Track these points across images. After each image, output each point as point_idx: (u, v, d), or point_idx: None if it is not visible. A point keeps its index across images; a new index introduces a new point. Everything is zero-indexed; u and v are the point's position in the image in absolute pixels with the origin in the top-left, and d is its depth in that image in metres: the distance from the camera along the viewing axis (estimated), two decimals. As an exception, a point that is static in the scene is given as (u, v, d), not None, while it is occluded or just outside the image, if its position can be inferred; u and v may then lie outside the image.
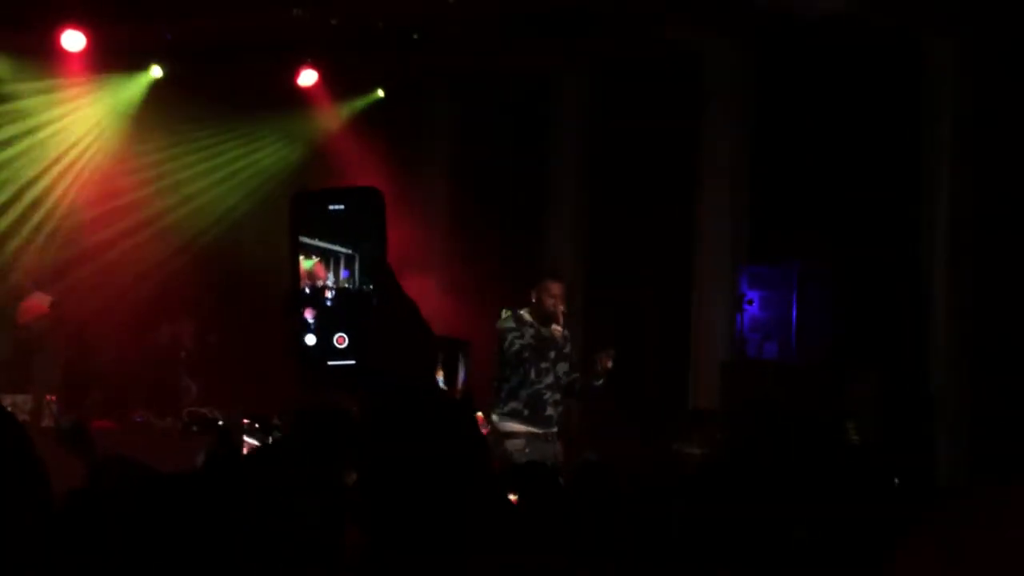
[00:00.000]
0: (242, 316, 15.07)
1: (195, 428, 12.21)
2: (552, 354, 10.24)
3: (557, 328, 10.13)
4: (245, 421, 6.92)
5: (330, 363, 2.28)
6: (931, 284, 12.86)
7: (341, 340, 2.28)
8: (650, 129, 14.50)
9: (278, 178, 15.77)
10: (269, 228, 15.59)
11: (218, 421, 10.47)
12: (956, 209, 12.81)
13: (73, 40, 14.41)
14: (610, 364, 9.98)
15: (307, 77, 15.33)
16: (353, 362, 2.26)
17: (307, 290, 2.26)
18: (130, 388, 13.95)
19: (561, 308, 10.14)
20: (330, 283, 2.27)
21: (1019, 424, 11.30)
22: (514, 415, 10.15)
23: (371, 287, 2.22)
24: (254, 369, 14.16)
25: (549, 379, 10.21)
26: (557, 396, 10.21)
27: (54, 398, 12.95)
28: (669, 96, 14.51)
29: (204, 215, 15.46)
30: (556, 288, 10.20)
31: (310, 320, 2.25)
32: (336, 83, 15.47)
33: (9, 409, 8.13)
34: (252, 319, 15.14)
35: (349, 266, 2.29)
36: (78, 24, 14.33)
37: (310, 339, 2.27)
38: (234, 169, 15.69)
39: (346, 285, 2.25)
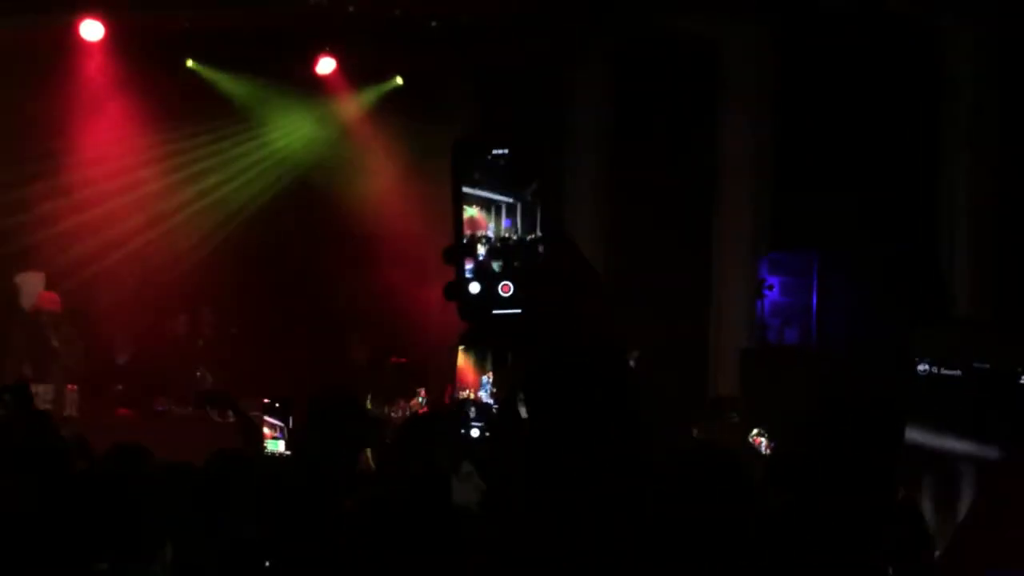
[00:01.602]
0: (263, 307, 15.09)
1: (216, 418, 12.17)
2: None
3: None
4: (265, 400, 6.91)
5: (495, 312, 2.21)
6: (951, 271, 12.83)
7: (506, 288, 2.21)
8: (670, 118, 14.47)
9: (298, 168, 15.76)
10: (288, 218, 15.63)
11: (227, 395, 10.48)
12: (975, 197, 12.78)
13: (92, 30, 14.44)
14: (632, 364, 10.00)
15: (325, 65, 15.32)
16: (519, 311, 2.20)
17: (473, 240, 2.21)
18: (151, 377, 13.93)
19: None
20: (491, 232, 2.21)
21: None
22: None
23: (538, 236, 2.16)
24: (273, 360, 14.18)
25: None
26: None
27: (75, 388, 12.95)
28: (688, 85, 14.48)
29: (224, 205, 15.44)
30: None
31: (474, 268, 2.19)
32: (354, 71, 15.45)
33: (34, 397, 8.13)
34: (272, 310, 15.18)
35: (511, 215, 2.23)
36: (96, 14, 14.35)
37: (474, 287, 2.20)
38: (254, 159, 15.67)
39: (508, 234, 2.19)
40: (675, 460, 4.16)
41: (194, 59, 15.12)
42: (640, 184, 14.84)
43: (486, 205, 2.24)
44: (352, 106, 15.87)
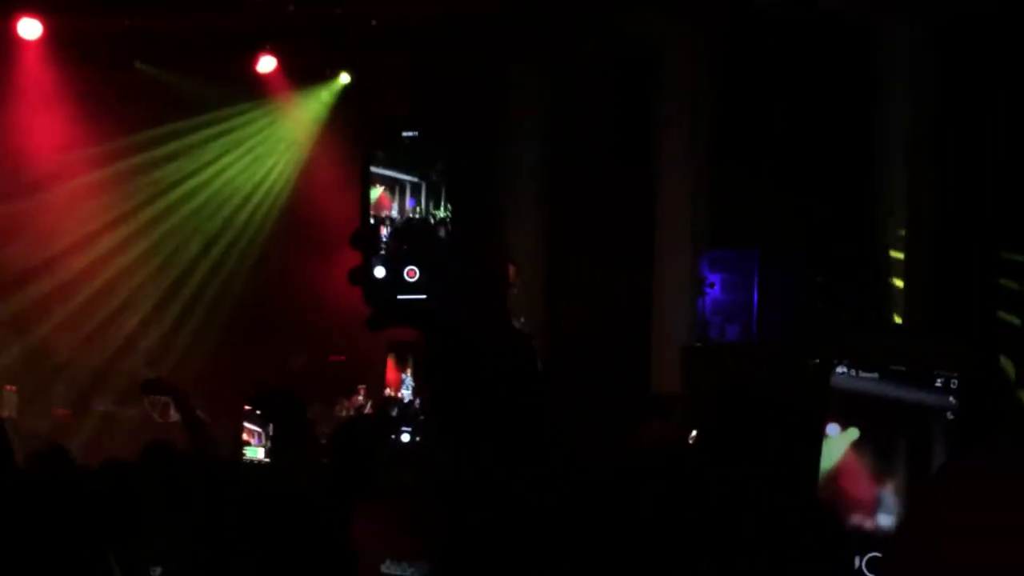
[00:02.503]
0: (209, 311, 15.06)
1: (158, 418, 12.16)
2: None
3: None
4: (246, 407, 6.81)
5: (400, 297, 2.19)
6: (888, 268, 12.94)
7: (412, 273, 2.19)
8: (608, 117, 14.51)
9: (243, 170, 15.72)
10: (228, 219, 15.58)
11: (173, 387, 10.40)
12: (912, 194, 12.89)
13: (30, 28, 14.37)
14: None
15: (266, 64, 15.28)
16: (424, 296, 2.18)
17: (377, 222, 2.18)
18: (90, 379, 13.88)
19: (512, 290, 10.26)
20: (395, 213, 2.19)
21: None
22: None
23: (442, 218, 2.14)
24: (218, 366, 14.14)
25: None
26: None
27: (14, 388, 12.89)
28: (627, 85, 14.53)
29: (166, 205, 15.37)
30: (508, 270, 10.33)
31: (379, 252, 2.16)
32: (295, 70, 15.42)
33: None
34: (217, 314, 15.13)
35: (415, 194, 2.21)
36: (36, 13, 14.28)
37: (379, 271, 2.18)
38: (200, 162, 15.60)
39: (412, 215, 2.17)
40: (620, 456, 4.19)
41: (136, 58, 15.04)
42: (580, 184, 14.88)
43: (390, 185, 2.23)
44: (296, 106, 15.84)
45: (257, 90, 15.51)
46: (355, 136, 15.11)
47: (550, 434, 2.20)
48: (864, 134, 13.19)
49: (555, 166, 15.47)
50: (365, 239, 2.21)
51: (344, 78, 15.93)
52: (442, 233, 2.18)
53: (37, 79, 14.86)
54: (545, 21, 14.21)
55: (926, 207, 12.86)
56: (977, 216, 12.23)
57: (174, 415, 12.61)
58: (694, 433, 9.12)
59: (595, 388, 14.22)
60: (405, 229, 2.19)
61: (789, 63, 13.30)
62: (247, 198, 15.73)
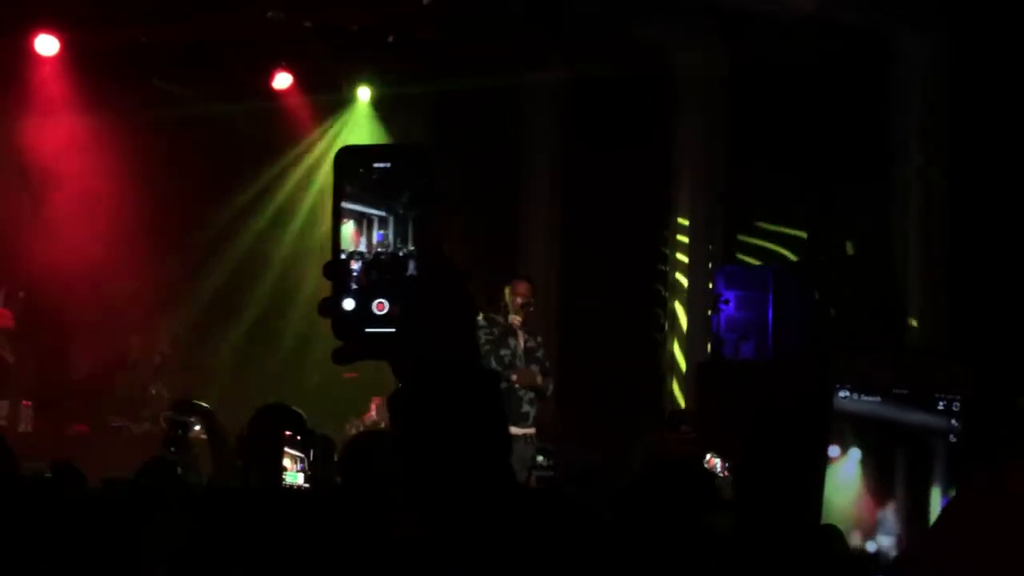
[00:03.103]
0: (221, 322, 15.06)
1: (180, 432, 12.14)
2: (522, 352, 10.34)
3: (516, 318, 10.26)
4: (287, 432, 6.77)
5: (368, 330, 2.20)
6: (904, 285, 12.92)
7: (381, 306, 2.19)
8: (623, 133, 14.50)
9: (256, 181, 15.71)
10: (249, 232, 15.59)
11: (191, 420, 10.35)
12: (927, 209, 12.87)
13: (47, 44, 14.42)
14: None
15: (282, 80, 15.31)
16: (392, 330, 2.18)
17: (348, 255, 2.19)
18: (105, 394, 13.90)
19: (519, 302, 10.30)
20: (363, 247, 2.20)
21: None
22: (490, 416, 10.20)
23: (410, 251, 2.15)
24: (232, 377, 14.15)
25: (524, 376, 10.30)
26: (532, 394, 10.28)
27: (29, 403, 12.91)
28: (642, 100, 14.53)
29: (184, 219, 15.36)
30: (521, 287, 10.37)
31: (349, 286, 2.17)
32: (311, 85, 15.45)
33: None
34: (231, 327, 15.14)
35: (383, 228, 2.21)
36: (53, 29, 14.33)
37: (348, 304, 2.19)
38: (214, 175, 15.60)
39: (380, 249, 2.17)
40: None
41: (152, 75, 15.08)
42: (595, 200, 14.87)
43: (358, 219, 2.24)
44: (309, 119, 15.87)
45: (272, 105, 15.53)
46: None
47: (507, 473, 2.21)
48: (878, 149, 13.17)
49: (568, 185, 15.48)
50: (335, 271, 2.23)
51: (363, 93, 15.93)
52: (411, 267, 2.20)
53: (54, 95, 14.90)
54: (559, 33, 14.22)
55: (940, 221, 12.84)
56: (991, 228, 12.21)
57: (193, 432, 12.62)
58: (708, 456, 9.13)
59: (608, 404, 14.24)
60: (374, 262, 2.20)
61: (802, 77, 13.29)
62: (265, 215, 15.74)
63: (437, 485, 2.18)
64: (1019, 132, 11.99)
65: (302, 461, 6.78)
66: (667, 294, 14.39)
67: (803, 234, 13.32)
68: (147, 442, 12.49)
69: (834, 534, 5.07)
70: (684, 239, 14.30)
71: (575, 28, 14.04)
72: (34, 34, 14.39)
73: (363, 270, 2.22)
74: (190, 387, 13.48)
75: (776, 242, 13.56)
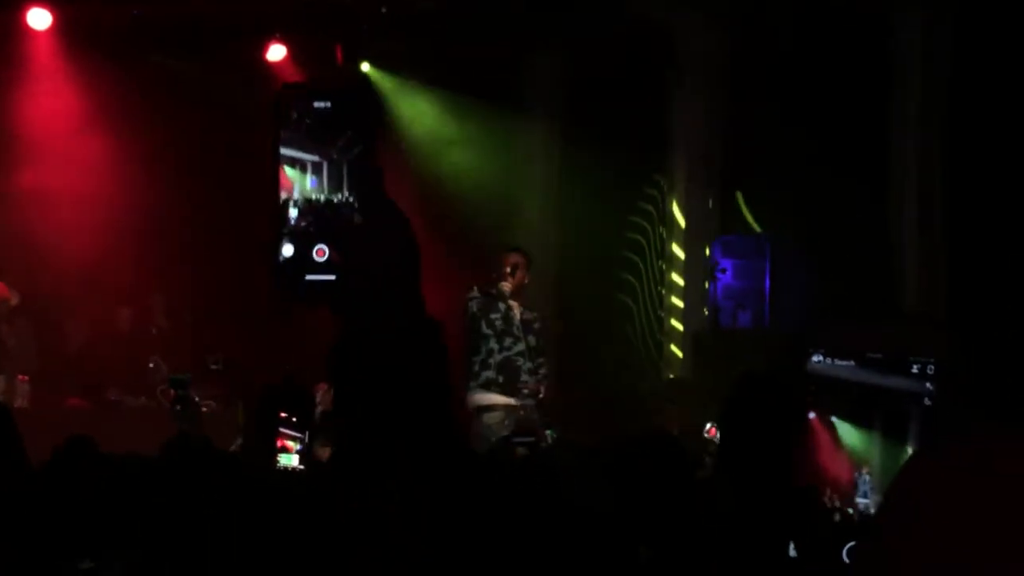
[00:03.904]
0: (216, 291, 15.00)
1: (179, 408, 12.16)
2: (519, 322, 10.33)
3: (505, 284, 10.27)
4: (282, 414, 6.73)
5: (308, 277, 2.15)
6: (902, 254, 12.90)
7: (321, 253, 2.16)
8: (622, 104, 14.48)
9: (255, 154, 15.62)
10: (245, 205, 15.53)
11: (197, 403, 10.34)
12: (924, 180, 12.86)
13: (40, 18, 14.38)
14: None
15: (276, 52, 15.23)
16: (332, 277, 2.14)
17: (287, 201, 2.15)
18: (102, 368, 13.88)
19: (507, 270, 10.31)
20: (296, 194, 2.16)
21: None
22: (488, 385, 10.22)
23: (352, 197, 2.10)
24: (226, 346, 14.10)
25: (520, 347, 10.31)
26: (530, 364, 10.28)
27: (26, 378, 12.89)
28: (640, 72, 14.50)
29: (174, 191, 15.29)
30: (512, 257, 10.38)
31: (288, 232, 2.12)
32: (304, 58, 15.36)
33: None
34: (226, 295, 15.08)
35: (316, 173, 2.16)
36: (45, 3, 14.29)
37: (287, 250, 2.15)
38: (204, 148, 15.52)
39: (315, 195, 2.13)
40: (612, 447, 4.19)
41: (144, 47, 15.01)
42: (593, 172, 14.85)
43: (291, 163, 2.18)
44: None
45: (266, 78, 15.46)
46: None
47: (449, 419, 2.19)
48: (876, 119, 13.16)
49: (566, 155, 15.47)
50: (273, 218, 2.18)
51: (365, 68, 15.81)
52: (352, 213, 2.15)
53: (47, 69, 14.87)
54: (558, 6, 14.17)
55: (937, 191, 12.83)
56: (988, 198, 12.20)
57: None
58: (709, 425, 9.13)
59: (607, 374, 14.25)
60: (313, 208, 2.15)
61: (801, 50, 13.26)
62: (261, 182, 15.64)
63: (375, 436, 2.16)
64: (1019, 103, 11.98)
65: (301, 443, 6.77)
66: (664, 265, 14.38)
67: (801, 203, 13.29)
68: (145, 416, 12.51)
69: (811, 494, 5.08)
70: (681, 208, 14.29)
71: (577, 5, 14.02)
72: (26, 7, 14.34)
73: (301, 216, 2.18)
74: (188, 360, 13.49)
75: (774, 211, 13.54)
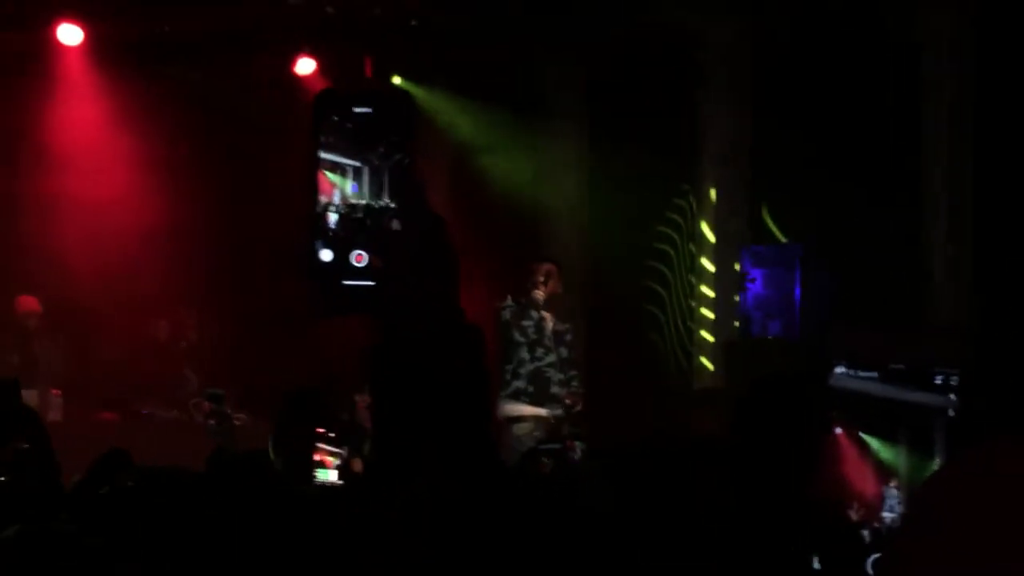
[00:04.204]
0: (246, 305, 15.05)
1: (213, 422, 12.20)
2: (550, 332, 10.33)
3: (537, 292, 10.26)
4: (319, 430, 6.72)
5: (346, 282, 2.17)
6: (931, 262, 12.86)
7: (360, 258, 2.17)
8: (648, 112, 14.48)
9: (284, 168, 15.63)
10: (275, 219, 15.56)
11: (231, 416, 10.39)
12: (953, 190, 12.82)
13: (70, 34, 14.46)
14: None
15: (305, 66, 15.29)
16: (372, 283, 2.15)
17: (326, 206, 2.16)
18: (134, 381, 13.94)
19: (540, 278, 10.30)
20: (336, 200, 2.17)
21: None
22: (518, 395, 10.23)
23: (393, 203, 2.11)
24: (258, 359, 14.15)
25: (551, 358, 10.31)
26: (562, 376, 10.28)
27: (59, 392, 12.96)
28: (667, 79, 14.49)
29: (204, 206, 15.34)
30: (544, 267, 10.37)
31: (326, 236, 2.13)
32: (334, 71, 15.42)
33: (18, 401, 8.13)
34: (256, 308, 15.12)
35: (357, 179, 2.18)
36: (76, 19, 14.37)
37: (326, 255, 2.16)
38: (236, 165, 15.56)
39: (355, 200, 2.14)
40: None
41: (175, 63, 15.08)
42: (620, 179, 14.84)
43: (331, 168, 2.20)
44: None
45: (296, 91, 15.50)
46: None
47: (488, 427, 2.20)
48: (906, 128, 13.12)
49: (594, 164, 15.47)
50: (311, 222, 2.20)
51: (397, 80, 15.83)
52: (392, 220, 2.17)
53: (78, 85, 14.95)
54: (582, 13, 14.18)
55: (967, 201, 12.79)
56: (1020, 206, 12.16)
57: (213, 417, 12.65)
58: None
59: (638, 382, 14.24)
60: (353, 214, 2.17)
61: (828, 55, 13.24)
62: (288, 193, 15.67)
63: (411, 441, 2.16)
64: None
65: (339, 457, 6.75)
66: (693, 278, 14.38)
67: (829, 213, 13.27)
68: (177, 429, 12.56)
69: (836, 508, 5.07)
70: (710, 218, 14.28)
71: (597, 9, 14.01)
72: (57, 23, 14.42)
73: (340, 222, 2.19)
74: (216, 372, 13.53)
75: (803, 220, 13.52)
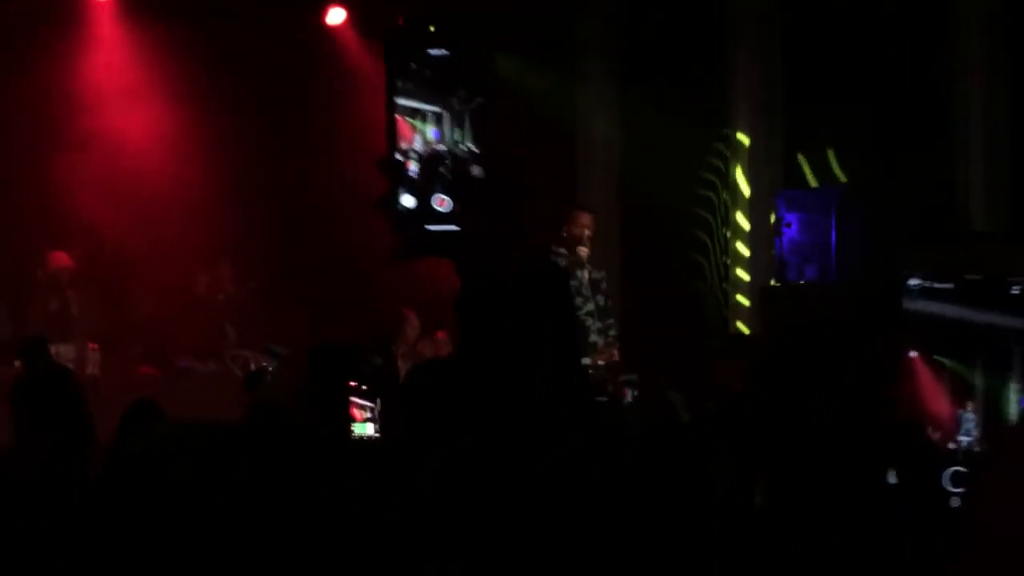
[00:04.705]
0: (284, 261, 15.05)
1: (239, 372, 12.25)
2: (588, 282, 10.31)
3: (583, 250, 10.22)
4: (351, 383, 6.68)
5: (428, 227, 2.14)
6: (967, 205, 12.81)
7: (442, 203, 2.15)
8: (679, 57, 14.41)
9: (318, 118, 15.59)
10: (310, 171, 15.54)
11: (262, 368, 10.43)
12: (989, 129, 12.74)
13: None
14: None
15: (335, 15, 15.25)
16: (454, 227, 2.13)
17: (404, 151, 2.13)
18: (172, 335, 13.98)
19: (586, 234, 10.25)
20: (417, 145, 2.14)
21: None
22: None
23: (471, 148, 2.09)
24: (294, 315, 14.15)
25: (590, 306, 10.28)
26: (600, 324, 10.27)
27: (97, 346, 13.00)
28: (697, 23, 14.42)
29: (242, 159, 15.30)
30: (584, 218, 10.32)
31: (407, 182, 2.11)
32: (364, 20, 15.35)
33: (55, 356, 8.22)
34: (294, 265, 15.13)
35: (438, 124, 2.15)
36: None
37: (408, 201, 2.13)
38: (271, 119, 15.50)
39: (436, 147, 2.11)
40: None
41: (204, 14, 15.04)
42: (652, 125, 14.77)
43: (411, 114, 2.17)
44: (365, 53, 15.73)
45: (327, 42, 15.46)
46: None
47: (578, 365, 2.17)
48: (938, 70, 13.04)
49: (624, 111, 15.39)
50: (392, 167, 2.17)
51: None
52: (472, 164, 2.14)
53: (109, 41, 14.94)
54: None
55: (1003, 140, 12.73)
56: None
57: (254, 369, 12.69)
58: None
59: (673, 329, 14.22)
60: (433, 159, 2.14)
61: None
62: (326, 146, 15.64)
63: (502, 388, 2.14)
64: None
65: (371, 411, 6.73)
66: (730, 223, 14.34)
67: (864, 156, 13.20)
68: (215, 382, 12.61)
69: (916, 429, 5.06)
70: (743, 163, 14.23)
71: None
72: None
73: (420, 167, 2.17)
74: (256, 326, 13.56)
75: (837, 164, 13.45)
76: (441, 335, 13.87)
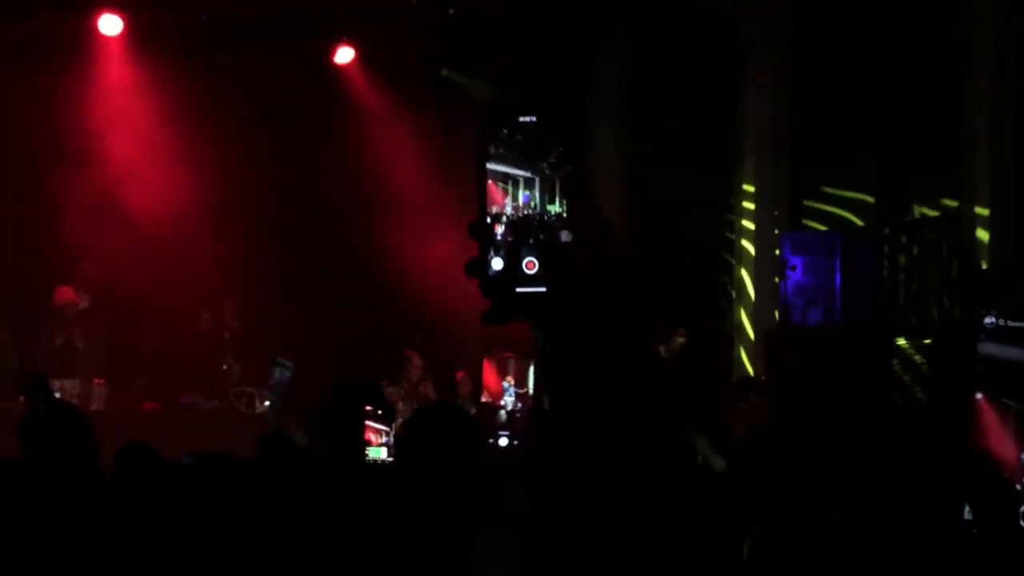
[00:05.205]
0: (288, 297, 15.06)
1: (243, 409, 12.27)
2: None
3: None
4: (367, 407, 6.71)
5: (518, 290, 2.17)
6: (974, 248, 12.80)
7: (531, 265, 2.17)
8: (689, 100, 14.44)
9: (326, 154, 15.63)
10: (316, 207, 15.58)
11: (266, 402, 10.44)
12: (998, 168, 12.75)
13: (111, 24, 14.51)
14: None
15: (344, 54, 15.31)
16: (543, 289, 2.15)
17: (493, 216, 2.16)
18: (176, 370, 13.97)
19: None
20: (508, 209, 2.17)
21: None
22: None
23: (561, 211, 2.11)
24: (300, 350, 14.14)
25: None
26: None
27: (102, 382, 13.00)
28: (706, 58, 14.45)
29: (246, 196, 15.33)
30: None
31: (496, 245, 2.13)
32: (373, 59, 15.42)
33: (58, 393, 8.24)
34: (299, 300, 15.14)
35: (529, 188, 2.18)
36: (116, 9, 14.42)
37: (497, 264, 2.16)
38: (278, 152, 15.55)
39: (527, 211, 2.14)
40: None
41: (214, 51, 15.11)
42: (661, 165, 14.79)
43: (503, 179, 2.21)
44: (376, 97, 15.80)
45: (336, 81, 15.52)
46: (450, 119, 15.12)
47: (662, 428, 2.20)
48: (946, 104, 13.05)
49: (635, 148, 15.41)
50: (482, 231, 2.21)
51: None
52: (560, 228, 2.17)
53: (119, 75, 14.99)
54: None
55: (1010, 180, 12.73)
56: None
57: (259, 407, 12.71)
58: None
59: (678, 372, 14.19)
60: (522, 222, 2.17)
61: (870, 32, 13.19)
62: (333, 186, 15.70)
63: (586, 444, 2.16)
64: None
65: (385, 435, 6.75)
66: (734, 261, 14.33)
67: (870, 198, 13.21)
68: (219, 419, 12.60)
69: (991, 466, 5.09)
70: (750, 205, 14.23)
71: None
72: (98, 14, 14.47)
73: (509, 230, 2.20)
74: (260, 362, 13.54)
75: (843, 207, 13.47)
76: (460, 375, 14.00)
